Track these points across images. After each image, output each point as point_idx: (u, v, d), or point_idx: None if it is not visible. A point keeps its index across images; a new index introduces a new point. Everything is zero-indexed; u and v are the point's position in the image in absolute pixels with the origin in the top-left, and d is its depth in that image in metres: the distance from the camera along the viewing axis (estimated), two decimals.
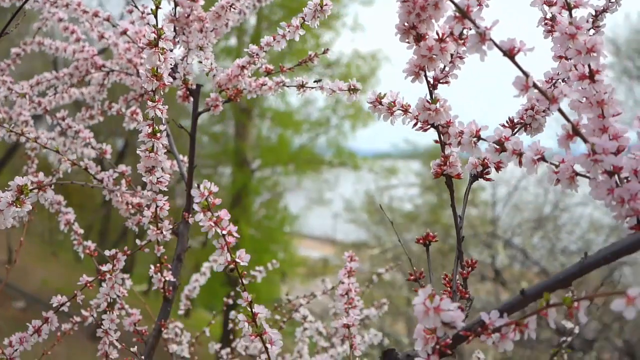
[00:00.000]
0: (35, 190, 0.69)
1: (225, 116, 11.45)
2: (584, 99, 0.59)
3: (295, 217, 11.64)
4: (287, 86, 1.03)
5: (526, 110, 0.73)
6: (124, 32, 1.12)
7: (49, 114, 1.26)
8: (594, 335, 6.01)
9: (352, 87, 0.91)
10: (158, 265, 1.03)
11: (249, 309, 0.70)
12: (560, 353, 1.14)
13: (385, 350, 0.63)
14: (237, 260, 0.68)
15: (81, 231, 1.18)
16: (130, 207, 1.09)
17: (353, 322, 1.02)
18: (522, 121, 0.74)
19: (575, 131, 0.55)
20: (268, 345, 0.70)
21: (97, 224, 10.07)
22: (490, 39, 0.53)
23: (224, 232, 0.67)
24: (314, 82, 0.89)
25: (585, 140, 0.55)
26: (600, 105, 0.57)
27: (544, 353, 6.24)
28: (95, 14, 1.17)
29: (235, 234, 0.68)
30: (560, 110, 0.55)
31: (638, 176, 0.56)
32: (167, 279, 1.03)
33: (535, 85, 0.54)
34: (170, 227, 0.97)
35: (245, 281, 1.64)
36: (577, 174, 0.59)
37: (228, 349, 1.46)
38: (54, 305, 0.97)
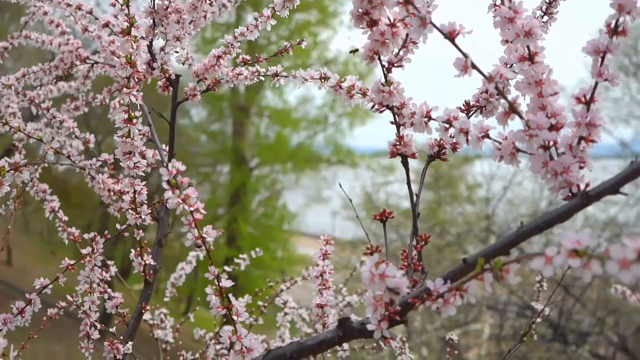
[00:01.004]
0: (12, 171, 0.73)
1: (223, 115, 11.51)
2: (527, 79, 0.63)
3: (294, 215, 11.69)
4: (263, 75, 1.07)
5: (481, 93, 0.77)
6: (106, 25, 1.15)
7: (35, 105, 1.29)
8: (587, 329, 6.06)
9: (322, 75, 0.94)
10: (138, 249, 1.06)
11: (216, 283, 0.74)
12: (530, 333, 1.18)
13: (340, 319, 0.66)
14: (204, 236, 0.72)
15: (66, 218, 1.21)
16: (112, 193, 1.13)
17: (326, 302, 1.05)
18: (477, 104, 0.77)
19: (512, 108, 0.59)
20: (234, 317, 0.73)
21: (95, 223, 10.12)
22: (431, 23, 0.57)
23: (192, 209, 0.71)
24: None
25: (521, 117, 0.59)
26: (539, 85, 0.61)
27: (538, 349, 6.30)
28: (78, 7, 1.20)
29: (203, 211, 0.71)
30: (497, 89, 0.58)
31: (572, 151, 0.59)
32: (147, 262, 1.07)
33: (473, 66, 0.58)
34: (149, 211, 1.01)
35: (232, 270, 1.65)
36: (518, 150, 0.62)
37: (211, 334, 1.50)
38: (36, 287, 1.01)
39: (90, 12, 1.22)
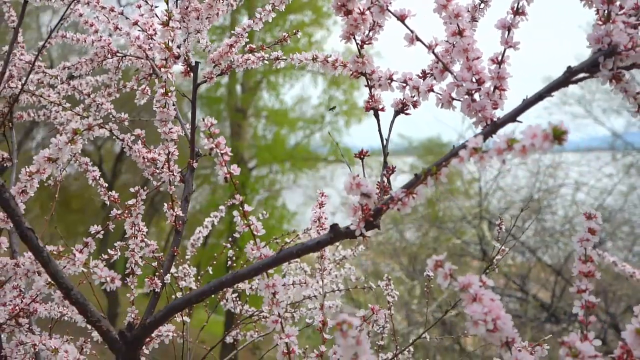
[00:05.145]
0: (86, 131, 0.98)
1: (221, 117, 11.76)
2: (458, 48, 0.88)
3: (293, 214, 11.92)
4: (266, 60, 1.33)
5: (434, 63, 1.02)
6: (135, 23, 1.41)
7: (77, 92, 1.55)
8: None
9: (314, 57, 1.20)
10: (170, 202, 1.31)
11: (240, 208, 0.99)
12: (491, 268, 1.42)
13: (331, 225, 0.91)
14: (232, 171, 0.97)
15: (106, 185, 1.47)
16: (145, 160, 1.38)
17: None
18: (431, 72, 1.03)
19: (445, 67, 0.85)
20: (254, 232, 0.99)
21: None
22: (388, 9, 0.83)
23: (222, 152, 0.96)
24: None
25: (451, 73, 0.84)
26: (466, 52, 0.87)
27: (527, 333, 6.57)
28: (112, 9, 1.45)
29: (229, 153, 0.97)
30: (434, 54, 0.84)
31: (489, 96, 0.85)
32: (177, 214, 1.32)
33: (417, 39, 0.83)
34: (180, 170, 1.26)
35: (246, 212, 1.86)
36: (453, 98, 0.88)
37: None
38: (92, 233, 1.26)
39: (122, 13, 1.47)
